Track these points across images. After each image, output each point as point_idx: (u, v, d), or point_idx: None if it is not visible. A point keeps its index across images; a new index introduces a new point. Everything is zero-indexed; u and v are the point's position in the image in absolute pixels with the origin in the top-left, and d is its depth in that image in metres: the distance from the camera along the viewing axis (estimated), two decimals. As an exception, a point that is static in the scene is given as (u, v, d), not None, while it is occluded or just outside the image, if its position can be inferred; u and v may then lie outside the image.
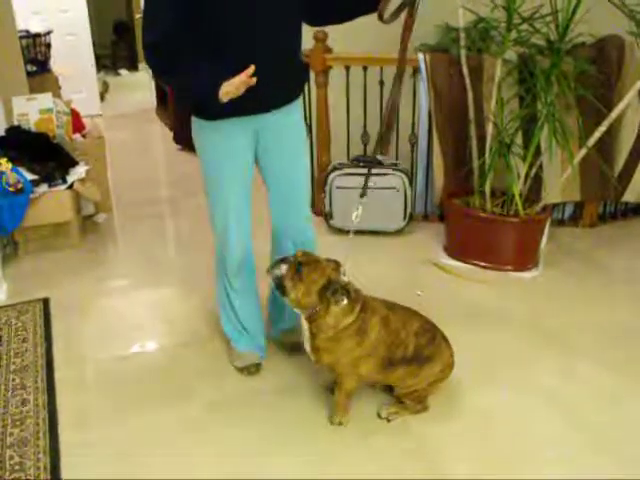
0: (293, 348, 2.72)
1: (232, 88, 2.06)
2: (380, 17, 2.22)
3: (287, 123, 2.44)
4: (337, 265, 2.20)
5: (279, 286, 2.17)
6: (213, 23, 2.16)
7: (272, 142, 2.43)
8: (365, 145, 3.98)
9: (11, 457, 2.19)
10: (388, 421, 2.34)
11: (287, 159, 2.49)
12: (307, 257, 2.17)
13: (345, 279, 2.20)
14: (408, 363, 2.25)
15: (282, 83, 2.33)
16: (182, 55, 2.16)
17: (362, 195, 2.43)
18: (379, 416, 2.36)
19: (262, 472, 2.14)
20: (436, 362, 2.30)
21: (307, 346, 2.27)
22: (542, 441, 2.26)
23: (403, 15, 2.29)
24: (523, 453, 2.21)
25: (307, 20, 2.48)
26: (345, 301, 2.13)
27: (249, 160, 2.44)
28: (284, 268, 2.15)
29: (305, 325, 2.23)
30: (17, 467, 2.15)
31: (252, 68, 2.02)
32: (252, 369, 2.65)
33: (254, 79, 2.05)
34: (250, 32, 2.18)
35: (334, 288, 2.11)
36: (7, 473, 2.12)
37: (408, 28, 2.31)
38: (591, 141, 3.27)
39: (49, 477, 2.11)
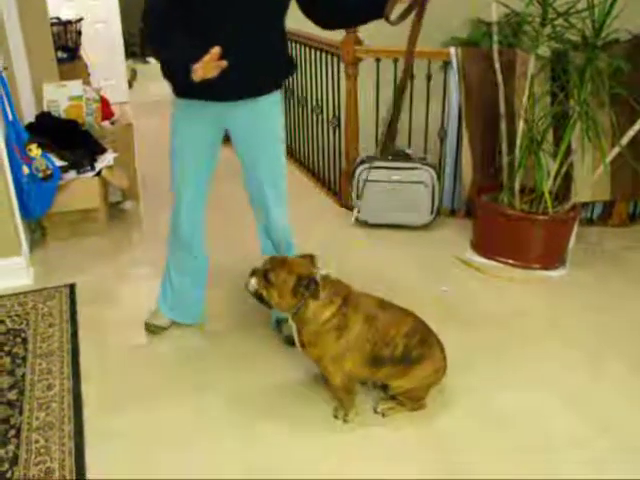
0: (287, 341, 2.72)
1: (199, 68, 2.06)
2: (387, 19, 2.19)
3: (257, 116, 2.45)
4: (311, 259, 2.24)
5: (258, 298, 2.23)
6: (187, 4, 2.21)
7: (241, 133, 2.49)
8: (394, 139, 3.95)
9: (37, 440, 2.22)
10: (383, 416, 2.34)
11: (255, 152, 2.52)
12: (272, 262, 2.21)
13: (323, 271, 2.21)
14: (396, 363, 2.24)
15: (251, 74, 2.31)
16: (173, 29, 2.20)
17: (358, 197, 2.42)
18: (375, 411, 2.36)
19: (285, 466, 2.15)
20: (426, 364, 2.27)
21: (297, 342, 2.29)
22: (564, 441, 2.24)
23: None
24: (544, 453, 2.19)
25: (311, 19, 2.49)
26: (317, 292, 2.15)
27: (210, 143, 2.52)
28: (254, 281, 2.22)
29: (292, 323, 2.26)
30: (42, 450, 2.17)
31: (217, 49, 2.01)
32: (152, 328, 2.85)
33: (224, 62, 2.03)
34: (220, 20, 2.21)
35: (305, 283, 2.13)
36: (33, 456, 2.14)
37: (416, 31, 2.28)
38: (624, 140, 3.22)
39: (73, 462, 2.12)
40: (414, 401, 2.34)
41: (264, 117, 2.48)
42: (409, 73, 2.37)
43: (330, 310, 2.18)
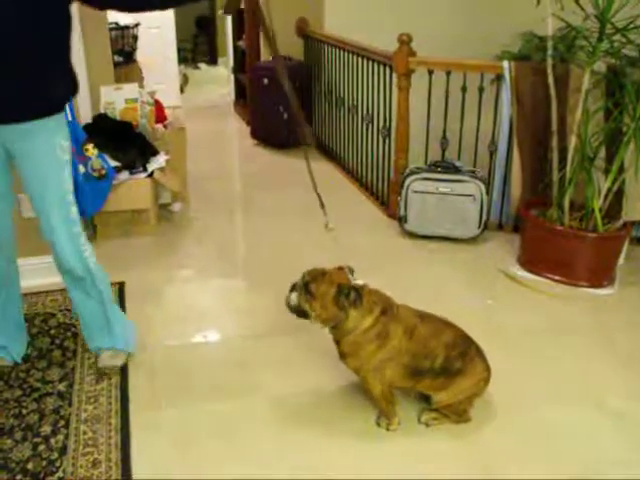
0: (100, 371, 2.61)
1: None
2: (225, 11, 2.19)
3: (31, 147, 2.21)
4: (341, 269, 2.22)
5: (299, 313, 2.22)
6: None
7: (18, 163, 2.26)
8: (444, 150, 3.96)
9: (85, 432, 2.27)
10: (427, 426, 2.33)
11: (32, 187, 2.30)
12: (312, 274, 2.20)
13: (359, 282, 2.21)
14: (436, 375, 2.24)
15: (12, 92, 2.08)
16: None
17: (322, 206, 2.39)
18: (419, 421, 2.35)
19: (326, 471, 2.16)
20: (467, 376, 2.26)
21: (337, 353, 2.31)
22: (608, 461, 2.20)
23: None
24: (586, 471, 2.16)
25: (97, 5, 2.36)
26: (360, 300, 2.15)
27: None
28: (294, 296, 2.21)
29: (330, 334, 2.27)
30: (90, 442, 2.22)
31: None
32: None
33: None
34: None
35: (346, 292, 2.13)
36: (81, 447, 2.20)
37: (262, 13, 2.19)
38: (680, 159, 3.16)
39: (119, 454, 2.17)
40: (458, 414, 2.33)
41: (39, 148, 2.23)
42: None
43: (369, 319, 2.19)
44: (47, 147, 2.24)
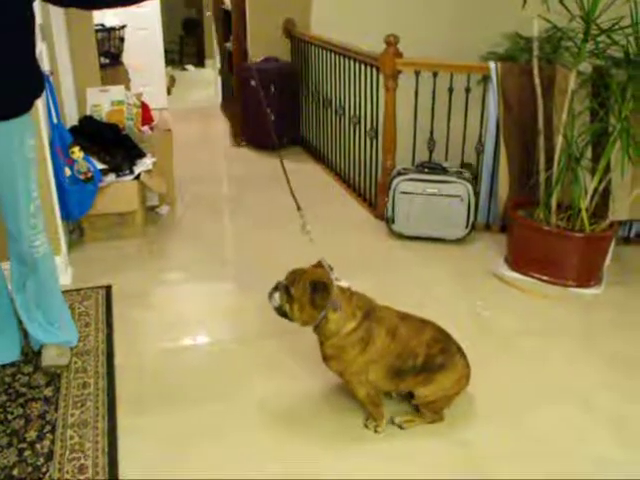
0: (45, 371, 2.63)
1: None
2: None
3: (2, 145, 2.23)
4: (320, 265, 2.22)
5: (281, 313, 2.24)
6: None
7: None
8: (431, 152, 3.96)
9: (71, 437, 2.25)
10: (400, 428, 2.32)
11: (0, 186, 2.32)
12: (291, 276, 2.21)
13: (343, 283, 2.21)
14: (418, 372, 2.24)
15: None
16: None
17: (299, 208, 2.37)
18: (392, 422, 2.34)
19: (309, 473, 2.15)
20: (449, 371, 2.26)
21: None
22: (597, 462, 2.21)
23: None
24: (576, 470, 2.16)
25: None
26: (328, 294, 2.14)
27: None
28: (277, 296, 2.21)
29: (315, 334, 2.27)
30: (77, 447, 2.21)
31: None
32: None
33: None
34: None
35: (315, 287, 2.13)
36: (67, 452, 2.18)
37: None
38: (665, 158, 3.18)
39: (106, 459, 2.15)
40: (434, 412, 2.33)
41: (8, 148, 2.24)
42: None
43: (352, 323, 2.19)
44: (15, 147, 2.25)
